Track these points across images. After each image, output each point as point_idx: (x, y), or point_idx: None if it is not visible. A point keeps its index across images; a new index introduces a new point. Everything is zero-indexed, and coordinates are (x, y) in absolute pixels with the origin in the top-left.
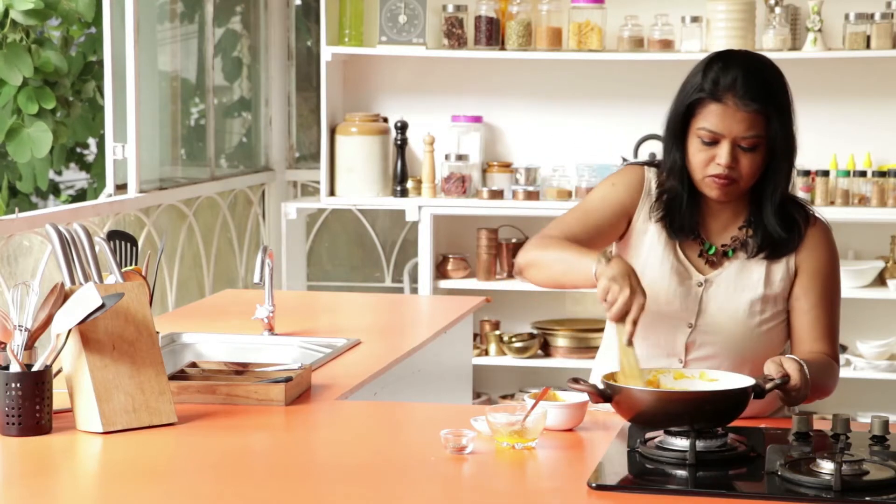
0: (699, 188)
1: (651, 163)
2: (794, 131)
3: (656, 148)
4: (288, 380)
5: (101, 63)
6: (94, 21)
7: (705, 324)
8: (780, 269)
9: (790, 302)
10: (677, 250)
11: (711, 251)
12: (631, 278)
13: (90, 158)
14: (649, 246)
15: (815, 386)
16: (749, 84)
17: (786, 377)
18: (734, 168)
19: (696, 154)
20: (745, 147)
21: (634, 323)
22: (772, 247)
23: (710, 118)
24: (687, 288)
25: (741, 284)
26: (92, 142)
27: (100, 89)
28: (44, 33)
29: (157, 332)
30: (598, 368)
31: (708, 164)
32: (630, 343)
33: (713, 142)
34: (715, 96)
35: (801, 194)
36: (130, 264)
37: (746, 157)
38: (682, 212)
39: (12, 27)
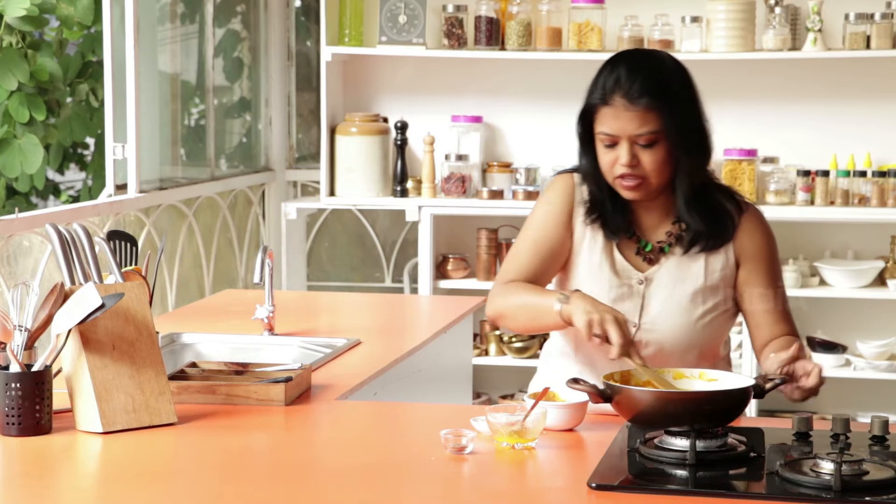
0: (616, 189)
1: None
2: (701, 120)
3: None
4: (288, 380)
5: (100, 63)
6: (94, 21)
7: (650, 321)
8: (718, 259)
9: (738, 290)
10: (615, 251)
11: (648, 248)
12: (599, 306)
13: (90, 159)
14: (588, 251)
15: None
16: (633, 82)
17: (786, 376)
18: (637, 167)
19: (602, 157)
20: (643, 144)
21: (638, 353)
22: (702, 240)
23: (604, 121)
24: (629, 287)
25: (681, 278)
26: (90, 141)
27: (94, 91)
28: (43, 34)
29: (157, 332)
30: (540, 378)
31: (613, 165)
32: (645, 365)
33: (613, 144)
34: (604, 100)
35: (801, 195)
36: (130, 264)
37: (646, 154)
38: (611, 213)
39: (7, 31)
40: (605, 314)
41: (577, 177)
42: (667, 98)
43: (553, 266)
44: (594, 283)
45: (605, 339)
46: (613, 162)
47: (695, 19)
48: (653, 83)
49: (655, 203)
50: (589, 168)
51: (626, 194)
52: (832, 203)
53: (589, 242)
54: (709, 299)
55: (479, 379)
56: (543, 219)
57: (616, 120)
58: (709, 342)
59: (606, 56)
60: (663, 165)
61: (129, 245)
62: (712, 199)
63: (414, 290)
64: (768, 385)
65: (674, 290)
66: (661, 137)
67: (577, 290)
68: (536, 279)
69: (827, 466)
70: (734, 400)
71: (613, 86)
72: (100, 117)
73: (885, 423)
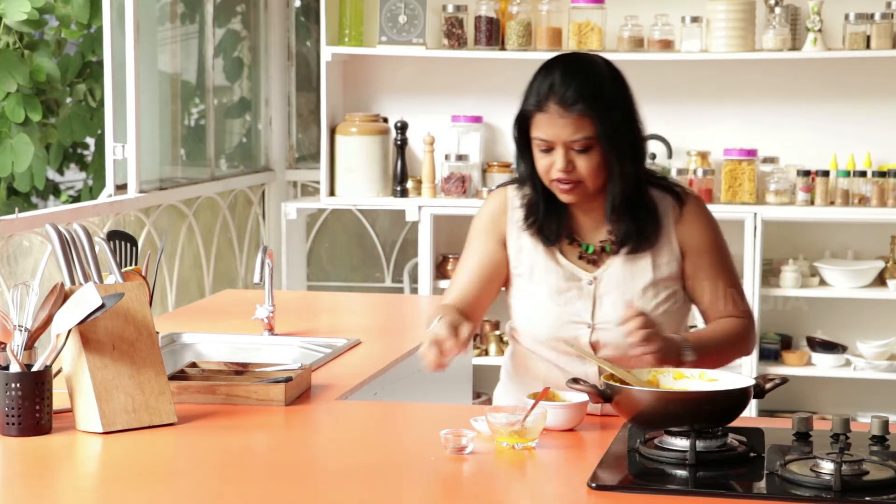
0: (553, 192)
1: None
2: (635, 124)
3: (656, 148)
4: (288, 380)
5: (100, 63)
6: (92, 20)
7: (604, 321)
8: (664, 251)
9: (686, 281)
10: (558, 257)
11: (590, 250)
12: (430, 332)
13: (91, 159)
14: (530, 262)
15: (715, 348)
16: (567, 88)
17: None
18: (573, 171)
19: (539, 162)
20: (577, 149)
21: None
22: (630, 242)
23: (540, 127)
24: (578, 291)
25: (630, 274)
26: (90, 141)
27: (91, 92)
28: (44, 34)
29: (157, 332)
30: (499, 398)
31: (550, 169)
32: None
33: (549, 149)
34: (539, 106)
35: (801, 195)
36: (130, 264)
37: (582, 158)
38: (546, 217)
39: (6, 31)
40: (427, 338)
41: (511, 188)
42: (601, 104)
43: (491, 284)
44: (542, 286)
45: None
46: (550, 166)
47: (695, 19)
48: (587, 89)
49: (593, 205)
50: (526, 172)
51: (563, 197)
52: (832, 203)
53: (529, 252)
54: (660, 293)
55: (479, 379)
56: (475, 240)
57: (551, 126)
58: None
59: (606, 56)
60: (598, 169)
61: (129, 245)
62: (645, 200)
63: (414, 290)
64: (768, 385)
65: (624, 287)
66: (596, 143)
67: (441, 319)
68: (475, 300)
69: (827, 466)
70: (734, 400)
71: (548, 92)
72: (100, 117)
73: (885, 423)
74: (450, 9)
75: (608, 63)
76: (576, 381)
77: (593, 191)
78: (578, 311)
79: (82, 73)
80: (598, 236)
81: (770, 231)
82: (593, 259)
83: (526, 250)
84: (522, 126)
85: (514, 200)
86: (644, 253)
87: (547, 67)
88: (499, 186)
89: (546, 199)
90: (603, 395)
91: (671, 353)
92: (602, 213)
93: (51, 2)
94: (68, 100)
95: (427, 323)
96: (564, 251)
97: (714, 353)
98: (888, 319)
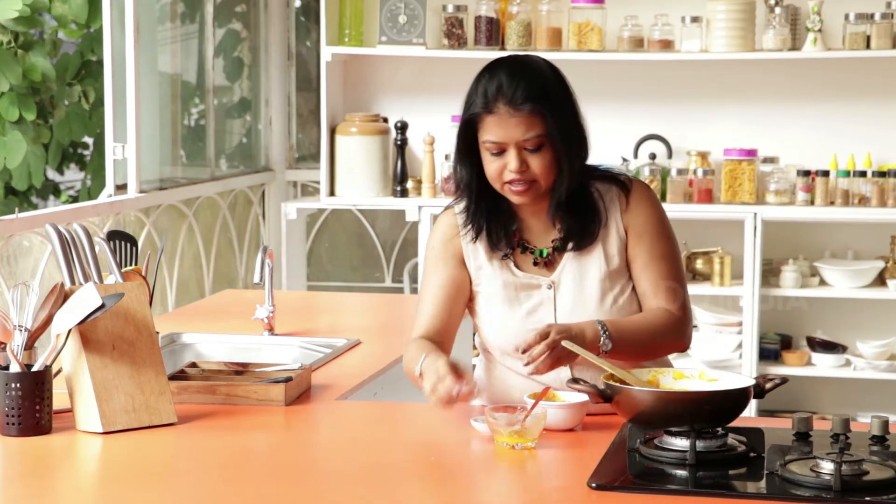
0: (505, 195)
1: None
2: (579, 121)
3: (656, 148)
4: (288, 380)
5: (99, 63)
6: (90, 20)
7: (566, 321)
8: (613, 241)
9: (629, 266)
10: (513, 269)
11: (544, 255)
12: (430, 371)
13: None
14: (488, 278)
15: (638, 339)
16: (515, 88)
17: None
18: (526, 171)
19: (489, 166)
20: (530, 149)
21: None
22: (573, 238)
23: (490, 130)
24: (539, 297)
25: (584, 271)
26: (90, 141)
27: (85, 94)
28: (44, 33)
29: (157, 332)
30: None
31: (502, 172)
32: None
33: (500, 151)
34: (487, 108)
35: (801, 195)
36: (130, 264)
37: (534, 157)
38: (491, 223)
39: (1, 30)
40: (429, 379)
41: (456, 208)
42: (549, 101)
43: (457, 307)
44: (502, 305)
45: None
46: (502, 169)
47: (695, 19)
48: (534, 88)
49: (540, 207)
50: (467, 177)
51: (516, 199)
52: (832, 203)
53: (486, 270)
54: (616, 282)
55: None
56: (433, 267)
57: (501, 127)
58: None
59: (606, 56)
60: (551, 167)
61: (129, 245)
62: (586, 194)
63: (414, 290)
64: (768, 385)
65: (581, 284)
66: (546, 140)
67: (427, 357)
68: (444, 327)
69: (827, 466)
70: (734, 400)
71: (496, 93)
72: (98, 116)
73: (885, 423)
74: (450, 9)
75: (548, 62)
76: (576, 381)
77: (546, 189)
78: (542, 317)
79: (80, 74)
80: (549, 237)
81: (770, 231)
82: (548, 261)
83: (483, 266)
84: (468, 131)
85: (461, 218)
86: (594, 246)
87: (489, 70)
88: (446, 208)
89: (488, 203)
90: (603, 395)
91: (593, 342)
92: (548, 215)
93: (44, 1)
94: (67, 102)
95: (413, 363)
96: (518, 261)
97: (636, 343)
98: (888, 319)
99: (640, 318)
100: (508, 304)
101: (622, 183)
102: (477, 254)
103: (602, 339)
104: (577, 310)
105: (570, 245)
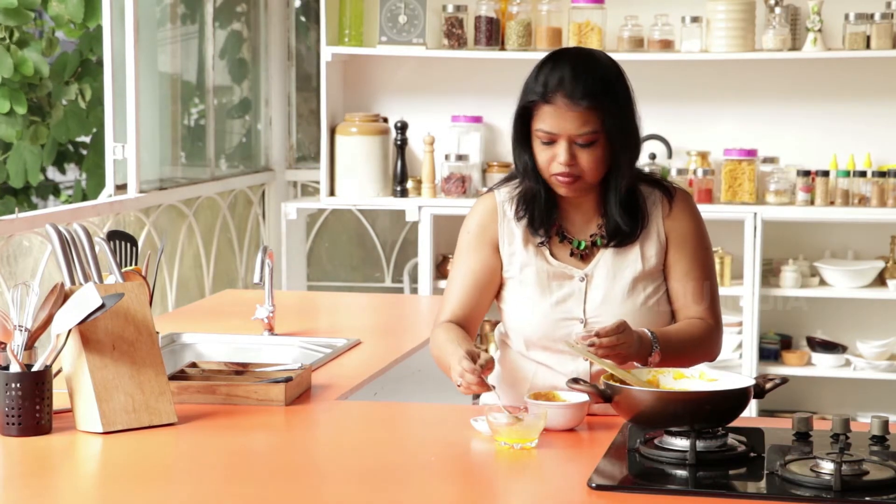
0: (551, 185)
1: (510, 177)
2: (635, 120)
3: (656, 148)
4: (288, 380)
5: (98, 62)
6: (87, 19)
7: (595, 316)
8: (652, 243)
9: (666, 272)
10: (548, 257)
11: (581, 246)
12: (454, 361)
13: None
14: (521, 263)
15: (680, 349)
16: (576, 82)
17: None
18: (574, 165)
19: (539, 154)
20: (581, 144)
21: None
22: (619, 235)
23: (544, 119)
24: (570, 288)
25: (619, 268)
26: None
27: (82, 93)
28: (43, 32)
29: (157, 332)
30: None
31: (551, 163)
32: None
33: (551, 142)
34: (545, 98)
35: (801, 195)
36: (130, 264)
37: (585, 153)
38: (541, 208)
39: None
40: (454, 368)
41: (498, 192)
42: (607, 99)
43: (486, 293)
44: (534, 286)
45: (472, 387)
46: (551, 160)
47: (695, 19)
48: (596, 84)
49: (585, 200)
50: (528, 163)
51: (562, 191)
52: (832, 203)
53: (520, 254)
54: (649, 285)
55: None
56: (466, 250)
57: (556, 119)
58: (656, 326)
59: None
60: (599, 164)
61: (129, 245)
62: (635, 194)
63: (414, 290)
64: (768, 385)
65: (614, 281)
66: (600, 137)
67: (450, 345)
68: (472, 312)
69: (827, 466)
70: (734, 400)
71: (557, 85)
72: (95, 115)
73: (885, 423)
74: (450, 9)
75: (612, 59)
76: (576, 381)
77: (591, 185)
78: (570, 308)
79: (77, 73)
80: (588, 231)
81: (770, 231)
82: (585, 254)
83: (518, 252)
84: (524, 118)
85: (503, 204)
86: (633, 245)
87: (552, 60)
88: (488, 191)
89: (538, 188)
90: (603, 395)
91: (642, 350)
92: (593, 208)
93: None
94: (64, 102)
95: (439, 350)
96: (554, 250)
97: (677, 352)
98: (888, 319)
99: (684, 329)
100: (539, 292)
101: (666, 188)
102: (513, 239)
103: (652, 351)
104: (606, 305)
105: (614, 241)
